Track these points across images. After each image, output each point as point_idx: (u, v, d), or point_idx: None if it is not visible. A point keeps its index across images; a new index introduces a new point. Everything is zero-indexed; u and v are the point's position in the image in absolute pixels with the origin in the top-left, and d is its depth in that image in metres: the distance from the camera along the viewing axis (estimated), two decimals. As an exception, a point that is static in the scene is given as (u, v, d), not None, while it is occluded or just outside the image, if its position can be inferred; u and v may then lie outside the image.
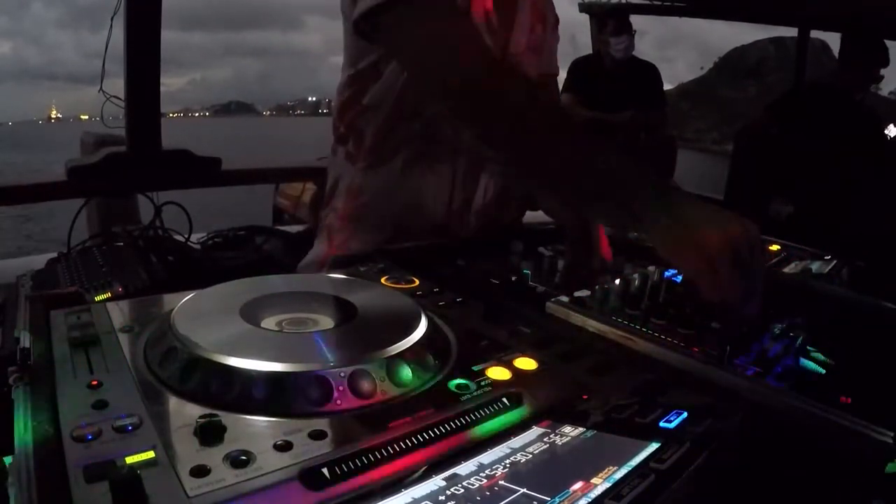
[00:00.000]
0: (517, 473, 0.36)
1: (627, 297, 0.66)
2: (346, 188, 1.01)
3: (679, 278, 0.75)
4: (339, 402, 0.41)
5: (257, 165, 2.29)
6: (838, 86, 2.64)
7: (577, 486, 0.34)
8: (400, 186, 0.97)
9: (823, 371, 0.55)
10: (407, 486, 0.34)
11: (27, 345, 0.46)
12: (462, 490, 0.34)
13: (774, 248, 1.03)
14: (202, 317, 0.50)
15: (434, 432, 0.39)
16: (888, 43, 2.65)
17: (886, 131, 2.90)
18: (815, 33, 3.61)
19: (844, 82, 2.63)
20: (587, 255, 0.83)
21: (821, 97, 2.69)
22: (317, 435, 0.38)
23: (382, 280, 0.69)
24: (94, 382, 0.42)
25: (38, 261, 1.07)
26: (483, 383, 0.46)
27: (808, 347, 0.58)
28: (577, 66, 3.18)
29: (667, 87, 3.59)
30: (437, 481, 0.34)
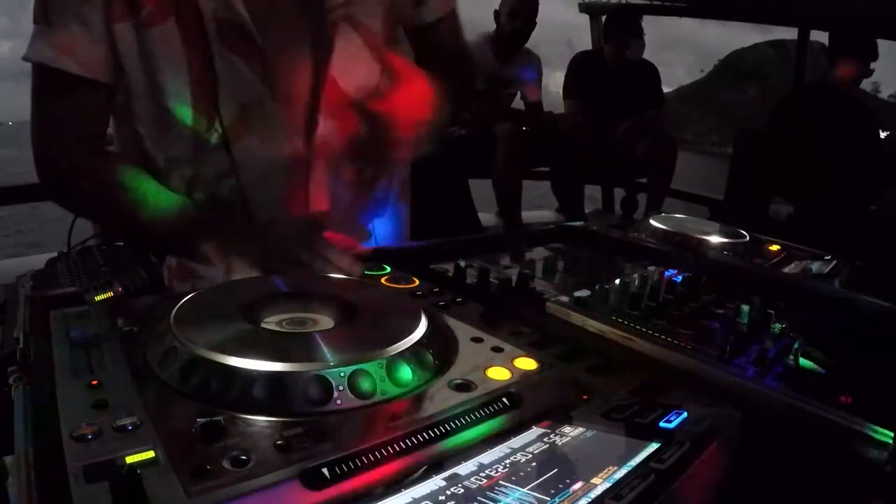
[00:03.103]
0: (517, 473, 0.36)
1: (627, 297, 0.66)
2: None
3: (679, 278, 0.75)
4: (339, 402, 0.41)
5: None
6: (832, 84, 2.66)
7: (577, 486, 0.34)
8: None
9: (823, 371, 0.55)
10: (407, 486, 0.34)
11: (27, 345, 0.46)
12: (462, 490, 0.34)
13: (774, 248, 1.03)
14: (202, 317, 0.50)
15: (434, 432, 0.39)
16: (888, 43, 2.67)
17: (885, 135, 2.92)
18: (814, 35, 3.62)
19: (837, 79, 2.64)
20: None
21: (818, 98, 2.70)
22: (317, 435, 0.38)
23: (382, 280, 0.69)
24: (94, 382, 0.42)
25: (38, 261, 1.07)
26: (483, 383, 0.46)
27: (808, 347, 0.58)
28: (577, 63, 3.19)
29: (667, 89, 3.63)
30: (437, 481, 0.34)
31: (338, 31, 0.86)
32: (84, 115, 0.84)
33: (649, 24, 3.14)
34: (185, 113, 0.82)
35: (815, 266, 0.93)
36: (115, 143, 0.92)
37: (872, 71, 2.71)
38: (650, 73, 3.21)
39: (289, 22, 0.85)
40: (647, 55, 3.22)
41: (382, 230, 1.02)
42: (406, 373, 0.45)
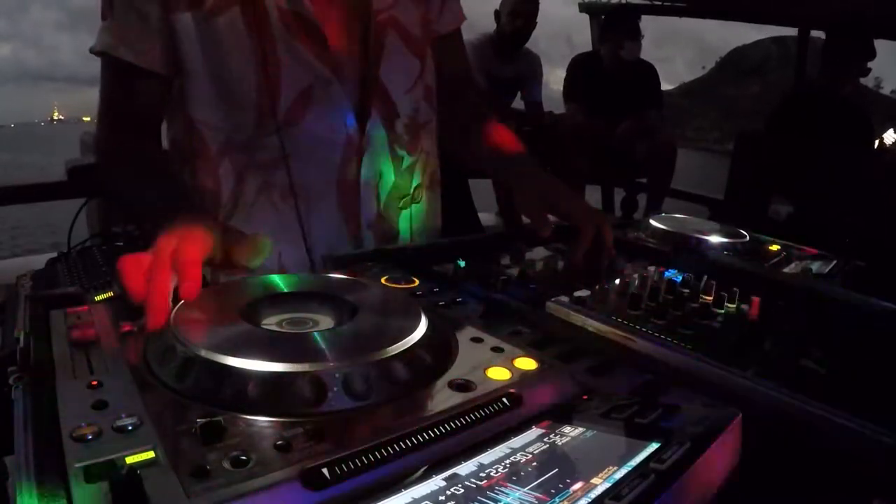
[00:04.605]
0: (517, 473, 0.36)
1: (627, 297, 0.66)
2: None
3: (679, 278, 0.75)
4: (338, 401, 0.41)
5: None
6: (829, 84, 2.66)
7: (577, 486, 0.34)
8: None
9: (823, 371, 0.54)
10: (407, 486, 0.34)
11: (27, 345, 0.46)
12: (462, 490, 0.34)
13: (774, 248, 1.03)
14: (202, 317, 0.50)
15: (434, 432, 0.39)
16: (887, 42, 2.67)
17: (885, 136, 2.93)
18: (816, 33, 3.62)
19: (833, 78, 2.65)
20: (597, 254, 0.83)
21: (818, 98, 2.70)
22: (317, 435, 0.38)
23: (382, 280, 0.69)
24: (94, 382, 0.42)
25: (38, 261, 1.07)
26: (483, 383, 0.46)
27: (808, 347, 0.58)
28: (576, 65, 3.19)
29: (668, 86, 3.63)
30: (437, 481, 0.34)
31: (383, 32, 0.91)
32: (138, 102, 0.88)
33: (650, 20, 3.14)
34: (248, 95, 0.85)
35: (815, 266, 0.93)
36: (167, 134, 0.94)
37: (870, 70, 2.71)
38: (649, 74, 3.21)
39: (344, 18, 0.89)
40: (648, 51, 3.21)
41: (419, 217, 1.06)
42: (406, 373, 0.45)
